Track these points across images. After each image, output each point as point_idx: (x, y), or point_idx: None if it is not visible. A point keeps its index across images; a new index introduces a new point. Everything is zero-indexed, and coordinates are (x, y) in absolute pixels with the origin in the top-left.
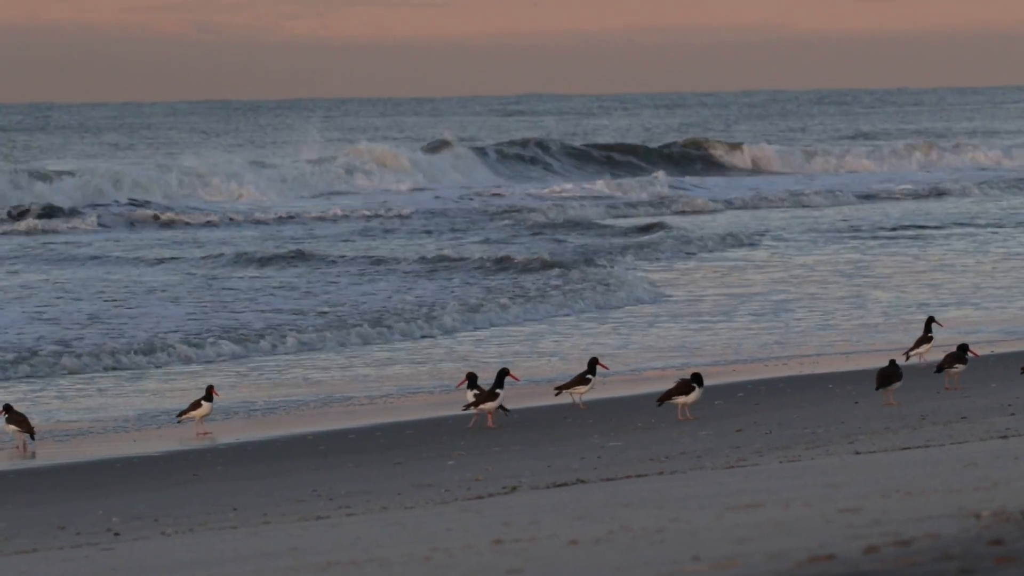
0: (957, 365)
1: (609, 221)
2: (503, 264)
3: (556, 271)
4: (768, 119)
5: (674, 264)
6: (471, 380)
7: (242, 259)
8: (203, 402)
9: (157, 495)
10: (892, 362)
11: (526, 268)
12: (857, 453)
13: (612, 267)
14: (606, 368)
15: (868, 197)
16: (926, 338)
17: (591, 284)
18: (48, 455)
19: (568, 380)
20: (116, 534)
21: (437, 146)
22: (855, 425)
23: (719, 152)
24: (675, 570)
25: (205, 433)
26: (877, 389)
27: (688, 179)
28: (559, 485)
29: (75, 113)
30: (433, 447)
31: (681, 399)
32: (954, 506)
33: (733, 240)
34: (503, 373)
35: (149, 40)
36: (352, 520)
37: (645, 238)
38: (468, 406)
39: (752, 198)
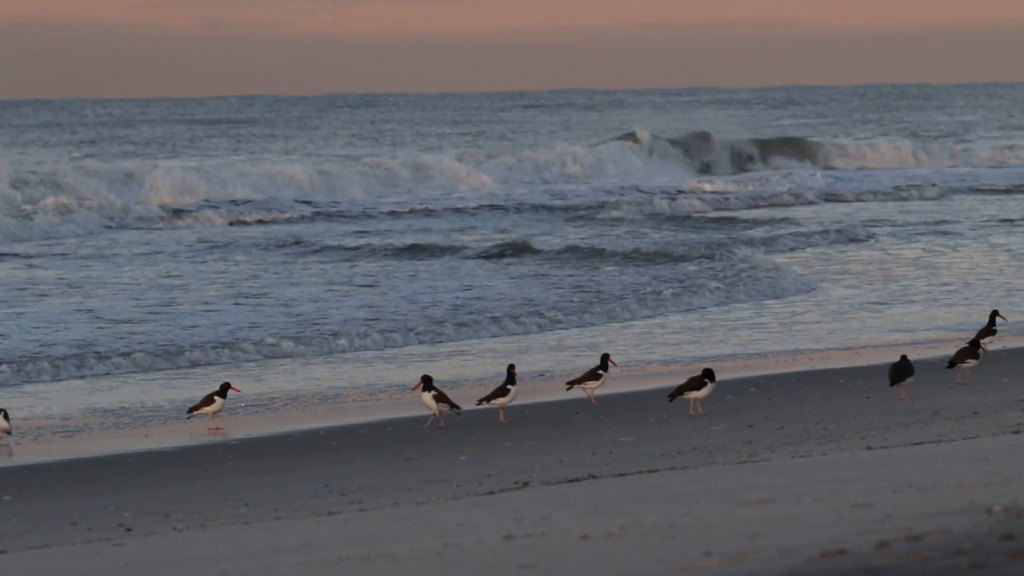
0: (969, 360)
1: (768, 212)
2: (650, 255)
3: (726, 261)
4: (845, 115)
5: (833, 254)
6: (427, 383)
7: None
8: (216, 398)
9: (169, 490)
10: (904, 357)
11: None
12: (869, 448)
13: (763, 258)
14: (615, 364)
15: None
16: (989, 331)
17: (757, 274)
18: (60, 451)
19: (580, 375)
20: (128, 529)
21: (623, 139)
22: (867, 420)
23: (852, 147)
24: (687, 565)
25: (217, 428)
26: (892, 385)
27: (834, 172)
28: (570, 480)
29: (165, 107)
30: (444, 442)
31: (693, 394)
32: (966, 501)
33: (890, 229)
34: (511, 369)
35: (159, 37)
36: (364, 515)
37: (799, 230)
38: (481, 400)
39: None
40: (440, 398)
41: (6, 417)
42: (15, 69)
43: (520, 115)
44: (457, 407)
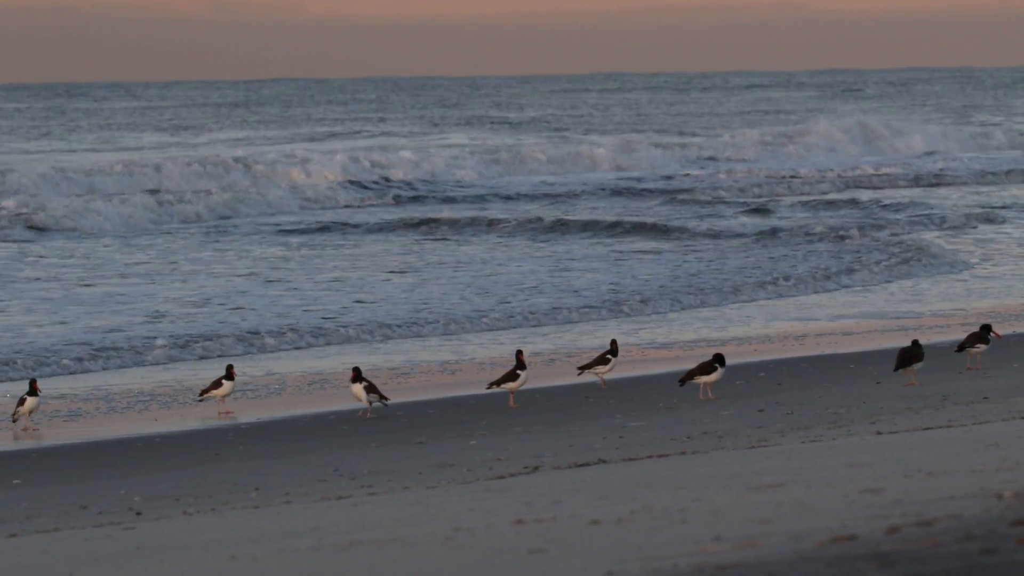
0: (979, 345)
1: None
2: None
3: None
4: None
5: (967, 234)
6: (357, 374)
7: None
8: (224, 381)
9: (179, 474)
10: (915, 342)
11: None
12: (879, 433)
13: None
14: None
15: None
16: None
17: (913, 253)
18: (69, 435)
19: (590, 360)
20: (138, 513)
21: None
22: (877, 405)
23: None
24: (697, 550)
25: (227, 412)
26: (896, 369)
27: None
28: (581, 465)
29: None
30: (455, 427)
31: (703, 379)
32: (976, 486)
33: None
34: (520, 354)
35: (165, 20)
36: (374, 500)
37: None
38: (491, 384)
39: None
40: (371, 389)
41: (33, 392)
42: (23, 52)
43: (610, 99)
44: (386, 398)
